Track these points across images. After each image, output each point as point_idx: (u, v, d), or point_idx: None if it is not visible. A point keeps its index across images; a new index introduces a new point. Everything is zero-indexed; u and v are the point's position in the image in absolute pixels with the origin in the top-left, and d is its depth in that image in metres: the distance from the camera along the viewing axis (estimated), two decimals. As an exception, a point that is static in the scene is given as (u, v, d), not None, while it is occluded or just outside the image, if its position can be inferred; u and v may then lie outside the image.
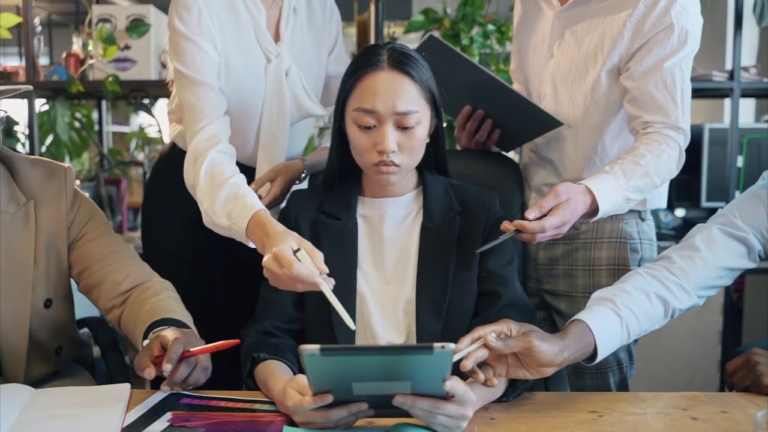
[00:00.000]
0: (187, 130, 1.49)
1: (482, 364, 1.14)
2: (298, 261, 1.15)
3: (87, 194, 1.53)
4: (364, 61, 1.32)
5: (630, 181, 1.42)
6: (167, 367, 1.09)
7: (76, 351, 1.53)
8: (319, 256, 1.19)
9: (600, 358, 1.23)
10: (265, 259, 1.19)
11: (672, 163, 1.49)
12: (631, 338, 1.28)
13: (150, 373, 1.10)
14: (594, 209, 1.38)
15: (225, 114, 1.51)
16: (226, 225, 1.35)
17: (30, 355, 1.38)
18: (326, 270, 1.17)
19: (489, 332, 1.13)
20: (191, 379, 1.17)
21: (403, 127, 1.30)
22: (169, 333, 1.18)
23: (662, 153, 1.46)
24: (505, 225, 1.29)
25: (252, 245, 1.32)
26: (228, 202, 1.35)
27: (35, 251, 1.39)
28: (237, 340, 1.20)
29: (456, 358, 1.11)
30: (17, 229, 1.38)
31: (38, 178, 1.43)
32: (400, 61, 1.30)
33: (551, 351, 1.15)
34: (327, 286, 1.15)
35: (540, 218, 1.30)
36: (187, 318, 1.34)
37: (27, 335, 1.37)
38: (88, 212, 1.48)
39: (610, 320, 1.24)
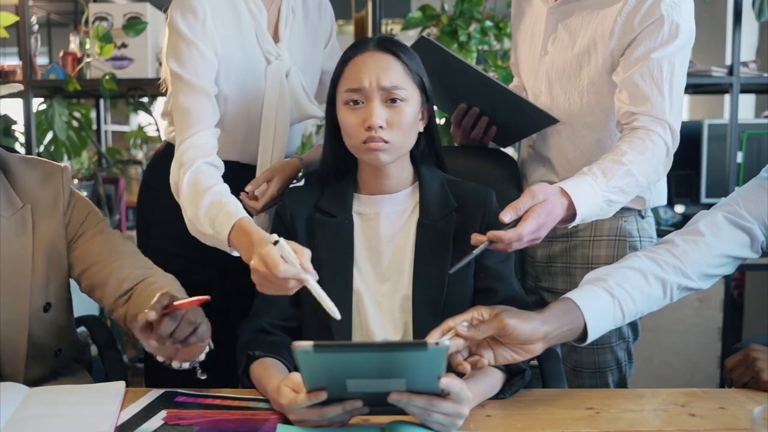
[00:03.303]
0: (178, 132, 1.45)
1: (469, 355, 1.14)
2: (284, 262, 1.12)
3: (85, 193, 1.52)
4: (353, 48, 1.36)
5: (611, 181, 1.34)
6: (151, 315, 1.10)
7: (75, 351, 1.52)
8: (306, 254, 1.14)
9: (592, 336, 1.20)
10: (252, 262, 1.16)
11: (657, 161, 1.41)
12: (627, 319, 1.26)
13: (152, 344, 1.13)
14: (572, 213, 1.30)
15: (216, 126, 1.48)
16: (210, 233, 1.31)
17: (29, 358, 1.36)
18: (311, 269, 1.13)
19: (459, 322, 1.13)
20: (179, 333, 1.14)
21: (390, 102, 1.30)
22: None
23: (646, 150, 1.39)
24: (476, 237, 1.23)
25: (236, 254, 1.29)
26: (211, 209, 1.32)
27: (33, 257, 1.36)
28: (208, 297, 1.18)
29: None
30: (13, 234, 1.35)
31: (35, 182, 1.40)
32: (387, 43, 1.35)
33: (527, 326, 1.13)
34: (313, 281, 1.12)
35: (516, 222, 1.24)
36: None
37: (26, 341, 1.35)
38: (84, 210, 1.45)
39: (600, 297, 1.23)
